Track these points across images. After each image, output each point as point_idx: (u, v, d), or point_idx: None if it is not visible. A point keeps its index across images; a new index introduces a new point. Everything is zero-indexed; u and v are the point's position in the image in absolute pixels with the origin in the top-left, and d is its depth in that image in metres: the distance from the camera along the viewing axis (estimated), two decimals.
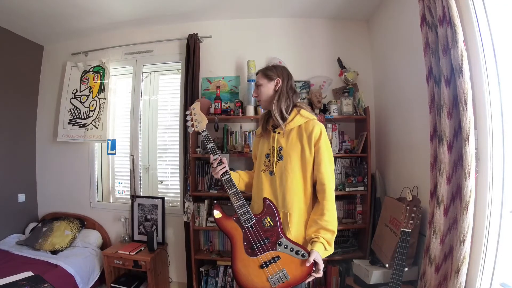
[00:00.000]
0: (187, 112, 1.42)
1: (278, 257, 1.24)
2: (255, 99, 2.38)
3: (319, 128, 1.33)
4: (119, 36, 2.85)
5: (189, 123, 1.41)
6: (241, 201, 1.28)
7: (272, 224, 1.27)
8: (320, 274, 1.23)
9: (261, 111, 2.31)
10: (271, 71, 1.42)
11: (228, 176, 1.32)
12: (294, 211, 1.31)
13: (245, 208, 1.28)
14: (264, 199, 1.32)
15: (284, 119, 1.36)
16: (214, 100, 2.47)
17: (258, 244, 1.25)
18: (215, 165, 1.33)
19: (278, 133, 1.39)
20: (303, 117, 1.37)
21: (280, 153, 1.36)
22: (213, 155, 1.34)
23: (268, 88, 1.41)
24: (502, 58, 1.23)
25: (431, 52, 1.43)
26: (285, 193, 1.32)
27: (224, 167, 1.33)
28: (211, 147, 1.36)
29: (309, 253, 1.22)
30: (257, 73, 1.48)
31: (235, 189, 1.30)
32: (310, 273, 1.22)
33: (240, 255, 1.26)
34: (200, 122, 1.41)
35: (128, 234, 2.71)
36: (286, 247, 1.25)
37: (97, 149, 2.95)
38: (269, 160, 1.39)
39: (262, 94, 1.42)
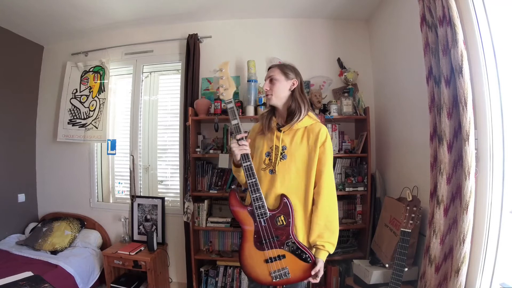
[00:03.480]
0: (216, 74, 1.25)
1: (284, 256, 1.27)
2: (255, 99, 2.42)
3: (325, 130, 1.36)
4: (119, 36, 2.85)
5: (220, 90, 1.27)
6: (259, 194, 1.26)
7: (285, 223, 1.28)
8: (317, 280, 1.28)
9: (261, 110, 2.33)
10: (289, 70, 1.41)
11: (249, 163, 1.27)
12: (296, 211, 1.31)
13: (261, 202, 1.27)
14: (282, 196, 1.30)
15: (299, 119, 1.36)
16: (214, 100, 2.47)
17: (268, 240, 1.27)
18: (241, 142, 1.27)
19: (283, 132, 1.38)
20: (311, 119, 1.39)
21: (283, 152, 1.36)
22: (237, 133, 1.28)
23: (284, 86, 1.39)
24: (502, 58, 1.22)
25: (431, 52, 1.43)
26: (288, 192, 1.32)
27: (247, 148, 1.28)
28: (235, 124, 1.27)
29: (312, 258, 1.26)
30: (269, 68, 1.44)
31: (254, 180, 1.26)
32: (310, 276, 1.26)
33: (248, 246, 1.29)
34: (226, 89, 1.25)
35: (128, 234, 2.71)
36: (293, 248, 1.27)
37: (97, 149, 2.95)
38: (269, 159, 1.38)
39: (277, 90, 1.38)
